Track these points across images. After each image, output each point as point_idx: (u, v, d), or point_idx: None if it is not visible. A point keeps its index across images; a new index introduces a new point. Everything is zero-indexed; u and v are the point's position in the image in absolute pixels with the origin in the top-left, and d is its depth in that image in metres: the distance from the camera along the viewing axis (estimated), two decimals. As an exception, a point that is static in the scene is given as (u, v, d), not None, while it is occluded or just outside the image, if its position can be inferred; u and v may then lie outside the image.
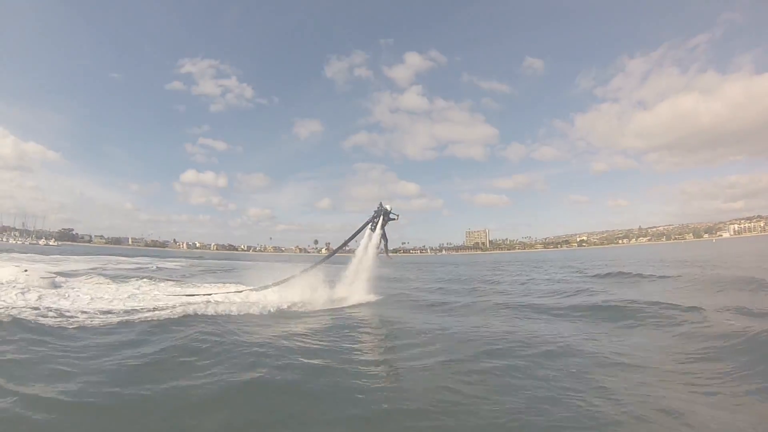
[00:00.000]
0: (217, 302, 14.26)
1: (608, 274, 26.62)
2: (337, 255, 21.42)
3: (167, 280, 23.22)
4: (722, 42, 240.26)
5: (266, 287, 17.41)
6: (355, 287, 17.95)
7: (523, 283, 24.55)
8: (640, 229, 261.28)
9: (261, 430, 5.22)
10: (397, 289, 21.36)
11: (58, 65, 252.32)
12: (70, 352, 7.82)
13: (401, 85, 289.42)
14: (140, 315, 11.68)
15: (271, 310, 13.46)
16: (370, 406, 5.73)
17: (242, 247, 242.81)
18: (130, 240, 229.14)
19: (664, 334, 9.93)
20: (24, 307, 11.80)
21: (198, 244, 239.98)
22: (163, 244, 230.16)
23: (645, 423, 5.12)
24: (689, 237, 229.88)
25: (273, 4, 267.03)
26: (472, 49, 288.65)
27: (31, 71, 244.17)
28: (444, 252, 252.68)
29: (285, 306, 14.34)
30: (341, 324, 11.56)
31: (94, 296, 15.08)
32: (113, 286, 18.72)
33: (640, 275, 24.52)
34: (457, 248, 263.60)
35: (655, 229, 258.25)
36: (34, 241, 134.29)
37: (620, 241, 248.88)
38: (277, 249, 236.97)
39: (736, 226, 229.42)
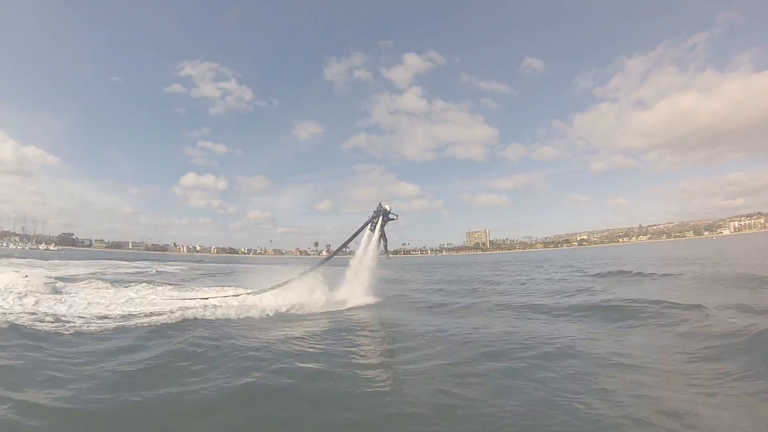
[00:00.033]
0: (214, 306, 14.17)
1: (609, 273, 26.54)
2: (336, 257, 21.35)
3: (166, 284, 23.12)
4: (721, 41, 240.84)
5: (264, 291, 17.32)
6: (354, 289, 17.87)
7: (523, 283, 24.48)
8: (640, 227, 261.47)
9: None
10: (397, 291, 21.30)
11: (58, 69, 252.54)
12: (65, 357, 7.75)
13: (400, 86, 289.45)
14: (137, 320, 11.60)
15: (270, 313, 13.37)
16: (366, 411, 5.64)
17: (242, 250, 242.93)
18: (130, 244, 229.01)
19: (665, 334, 9.83)
20: (21, 312, 11.73)
21: (198, 248, 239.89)
22: (164, 248, 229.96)
23: (646, 425, 5.02)
24: (690, 235, 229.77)
25: (272, 7, 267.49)
26: (471, 50, 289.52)
27: (31, 75, 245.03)
28: (444, 253, 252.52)
29: (283, 309, 14.25)
30: (339, 327, 11.46)
31: (91, 301, 14.99)
32: (111, 290, 18.62)
33: (640, 274, 24.45)
34: (458, 249, 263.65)
35: (655, 227, 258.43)
36: (34, 246, 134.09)
37: (621, 240, 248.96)
38: (277, 251, 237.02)
39: (736, 223, 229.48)
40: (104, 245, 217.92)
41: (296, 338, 9.87)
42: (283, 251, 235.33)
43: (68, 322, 11.00)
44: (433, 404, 5.78)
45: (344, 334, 10.54)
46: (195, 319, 11.58)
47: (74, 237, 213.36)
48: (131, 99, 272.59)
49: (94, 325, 10.88)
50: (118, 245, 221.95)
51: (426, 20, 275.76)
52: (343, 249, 20.62)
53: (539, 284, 23.45)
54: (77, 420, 5.27)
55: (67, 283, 19.48)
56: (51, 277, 19.68)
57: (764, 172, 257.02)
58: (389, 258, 20.62)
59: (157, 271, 37.51)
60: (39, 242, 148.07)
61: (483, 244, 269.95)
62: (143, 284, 21.55)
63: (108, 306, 14.12)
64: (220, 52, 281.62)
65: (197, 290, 20.24)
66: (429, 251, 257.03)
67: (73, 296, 15.91)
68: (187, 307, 13.88)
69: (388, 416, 5.50)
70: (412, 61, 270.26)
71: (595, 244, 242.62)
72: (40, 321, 10.78)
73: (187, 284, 24.08)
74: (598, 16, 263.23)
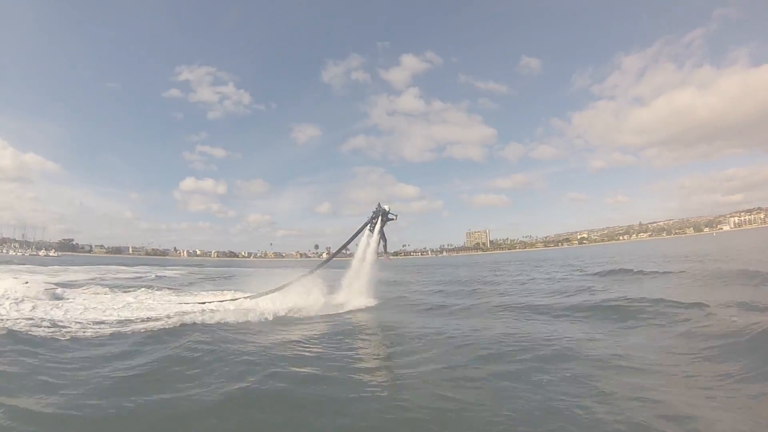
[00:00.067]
0: (212, 311, 14.10)
1: (609, 272, 26.37)
2: (336, 259, 21.25)
3: (165, 289, 23.04)
4: (717, 36, 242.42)
5: (262, 294, 17.21)
6: (353, 291, 17.78)
7: (523, 284, 24.34)
8: (640, 225, 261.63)
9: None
10: (397, 293, 21.17)
11: (56, 75, 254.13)
12: (59, 363, 7.72)
13: (398, 87, 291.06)
14: (134, 325, 11.53)
15: (268, 317, 13.26)
16: (360, 417, 5.54)
17: (243, 253, 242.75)
18: (130, 249, 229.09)
19: (666, 334, 9.71)
20: (18, 318, 11.72)
21: (198, 252, 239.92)
22: (164, 253, 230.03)
23: (645, 430, 4.91)
24: (690, 231, 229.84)
25: (268, 11, 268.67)
26: (468, 50, 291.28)
27: (29, 82, 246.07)
28: (445, 253, 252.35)
29: (282, 313, 14.14)
30: (337, 330, 11.36)
31: (89, 306, 14.91)
32: (109, 296, 18.57)
33: (641, 272, 24.32)
34: (458, 249, 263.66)
35: (655, 224, 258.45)
36: (34, 252, 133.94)
37: (621, 238, 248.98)
38: (277, 255, 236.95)
39: (736, 218, 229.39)
40: (104, 251, 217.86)
41: (293, 342, 9.77)
42: (284, 254, 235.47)
43: (65, 327, 10.96)
44: (430, 409, 5.68)
45: (341, 337, 10.44)
46: (192, 324, 11.50)
47: (74, 243, 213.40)
48: (129, 104, 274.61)
49: (90, 330, 10.82)
50: (118, 250, 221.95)
51: (423, 21, 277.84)
52: (343, 251, 20.53)
53: (539, 284, 23.31)
54: (69, 426, 5.24)
55: (66, 289, 19.43)
56: (51, 283, 19.64)
57: (763, 167, 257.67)
58: (389, 259, 20.52)
59: (156, 275, 37.40)
60: (39, 248, 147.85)
61: (483, 244, 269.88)
62: (142, 289, 21.45)
63: (105, 311, 14.04)
64: (217, 56, 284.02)
65: (195, 295, 20.13)
66: (429, 252, 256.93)
67: (71, 302, 15.85)
68: (184, 312, 13.79)
69: (383, 422, 5.41)
70: (410, 62, 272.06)
71: (595, 242, 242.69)
72: (36, 326, 10.75)
73: (185, 289, 23.99)
74: (595, 14, 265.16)
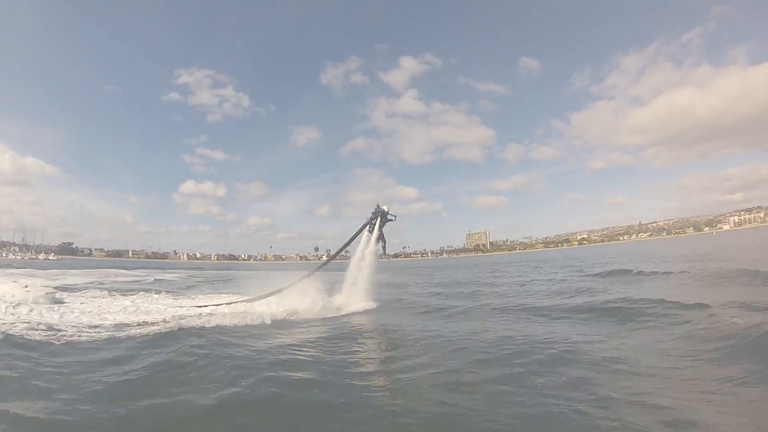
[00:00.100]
0: (209, 314, 13.99)
1: (609, 273, 26.32)
2: (335, 261, 21.15)
3: (163, 292, 22.90)
4: (715, 35, 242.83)
5: (260, 298, 17.10)
6: (352, 294, 17.69)
7: (522, 285, 24.23)
8: (640, 225, 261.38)
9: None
10: (396, 295, 21.08)
11: (56, 79, 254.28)
12: (53, 367, 7.66)
13: (397, 89, 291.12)
14: (129, 329, 11.45)
15: (266, 321, 13.16)
16: (353, 422, 5.44)
17: (243, 256, 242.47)
18: (130, 252, 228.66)
19: (666, 336, 9.59)
20: (14, 321, 11.64)
21: (198, 255, 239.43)
22: (164, 256, 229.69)
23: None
24: (690, 231, 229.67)
25: (267, 13, 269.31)
26: (466, 52, 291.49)
27: (29, 85, 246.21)
28: (445, 255, 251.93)
29: (279, 316, 14.04)
30: (334, 334, 11.26)
31: (85, 310, 14.82)
32: (107, 299, 18.46)
33: (641, 273, 24.26)
34: (458, 251, 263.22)
35: (655, 224, 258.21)
36: (34, 256, 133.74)
37: (621, 238, 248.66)
38: (277, 257, 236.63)
39: (736, 218, 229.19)
40: (104, 254, 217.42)
41: (289, 346, 9.67)
42: (284, 257, 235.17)
43: (60, 331, 10.90)
44: (423, 415, 5.57)
45: (338, 340, 10.34)
46: (188, 328, 11.39)
47: (74, 246, 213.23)
48: (129, 108, 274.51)
49: (85, 334, 10.76)
50: (118, 254, 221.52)
51: (421, 23, 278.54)
52: (343, 253, 20.41)
53: (539, 286, 23.21)
54: (60, 431, 5.21)
55: (65, 293, 19.36)
56: (50, 287, 19.56)
57: (762, 166, 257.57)
58: (389, 259, 20.40)
59: (155, 279, 37.26)
60: (38, 252, 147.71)
61: (483, 245, 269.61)
62: (141, 293, 21.35)
63: (102, 315, 13.96)
64: (216, 59, 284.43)
65: (193, 298, 20.05)
66: (429, 254, 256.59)
67: (68, 305, 15.77)
68: (181, 316, 13.71)
69: (375, 428, 5.32)
70: (408, 64, 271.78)
71: (595, 242, 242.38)
72: (32, 330, 10.70)
73: (184, 292, 23.88)
74: (593, 14, 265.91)
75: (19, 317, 12.53)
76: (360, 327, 12.51)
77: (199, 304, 17.00)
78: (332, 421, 5.45)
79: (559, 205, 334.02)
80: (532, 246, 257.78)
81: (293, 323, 13.24)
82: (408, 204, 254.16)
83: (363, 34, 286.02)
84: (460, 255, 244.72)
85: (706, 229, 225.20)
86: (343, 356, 8.86)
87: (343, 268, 19.54)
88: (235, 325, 12.22)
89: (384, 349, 9.96)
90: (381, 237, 18.70)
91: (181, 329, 11.12)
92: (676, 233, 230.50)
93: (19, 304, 14.55)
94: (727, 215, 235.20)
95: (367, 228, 18.85)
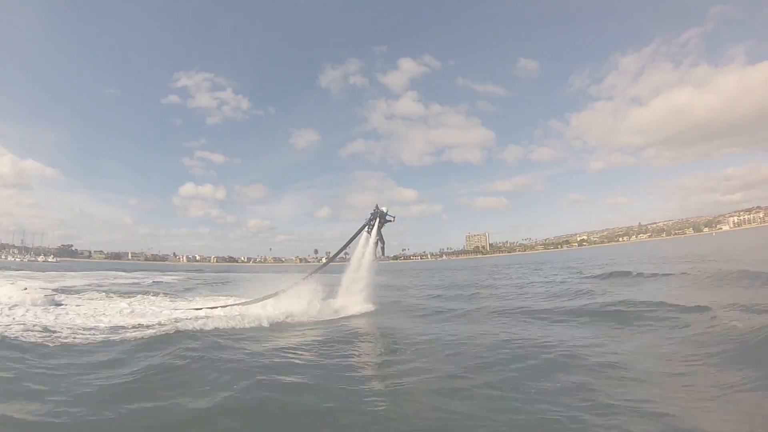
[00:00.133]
0: (206, 317, 13.86)
1: (609, 275, 26.15)
2: (334, 263, 21.03)
3: (161, 294, 22.80)
4: (714, 35, 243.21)
5: (259, 300, 17.00)
6: (350, 296, 17.56)
7: (522, 287, 24.09)
8: (639, 225, 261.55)
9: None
10: (395, 297, 20.95)
11: (55, 82, 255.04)
12: (46, 370, 7.62)
13: (396, 91, 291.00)
14: (125, 331, 11.37)
15: (263, 323, 13.06)
16: (345, 429, 5.34)
17: (242, 258, 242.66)
18: (129, 255, 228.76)
19: (666, 339, 9.45)
20: (9, 323, 11.57)
21: (198, 257, 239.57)
22: (163, 258, 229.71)
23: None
24: (689, 231, 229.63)
25: (265, 16, 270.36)
26: (465, 53, 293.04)
27: (28, 88, 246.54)
28: (444, 257, 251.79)
29: (277, 319, 13.92)
30: (332, 337, 11.13)
31: (81, 312, 14.73)
32: (103, 302, 18.35)
33: (641, 274, 24.11)
34: (458, 253, 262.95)
35: (655, 225, 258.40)
36: (33, 258, 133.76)
37: (620, 239, 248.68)
38: (277, 260, 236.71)
39: (735, 218, 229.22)
40: (103, 256, 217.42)
41: (284, 349, 9.56)
42: (283, 259, 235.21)
43: (55, 333, 10.85)
44: (418, 421, 5.46)
45: (335, 344, 10.21)
46: (184, 330, 11.25)
47: (73, 248, 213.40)
48: (128, 111, 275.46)
49: (80, 337, 10.69)
50: (117, 256, 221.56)
51: (420, 25, 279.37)
52: (342, 254, 20.28)
53: (538, 288, 23.07)
54: None
55: (63, 295, 19.28)
56: (48, 289, 19.50)
57: (762, 166, 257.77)
58: (388, 261, 20.33)
59: (153, 281, 37.12)
60: (37, 254, 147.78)
61: (483, 247, 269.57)
62: (139, 295, 21.25)
63: (97, 317, 13.86)
64: (215, 62, 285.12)
65: (191, 300, 19.94)
66: (429, 256, 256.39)
67: (65, 307, 15.69)
68: (177, 319, 13.59)
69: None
70: (407, 65, 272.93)
71: (595, 244, 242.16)
72: (27, 332, 10.65)
73: (182, 294, 23.74)
74: (591, 15, 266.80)
75: (14, 319, 12.49)
76: (357, 330, 12.40)
77: (196, 307, 16.88)
78: (323, 427, 5.34)
79: (559, 206, 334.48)
80: (531, 247, 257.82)
81: (290, 326, 13.12)
82: (408, 206, 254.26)
83: (361, 36, 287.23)
84: (460, 257, 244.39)
85: (706, 229, 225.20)
86: (338, 360, 8.75)
87: (341, 270, 19.43)
88: (232, 328, 12.10)
89: (380, 353, 9.84)
90: (380, 238, 18.59)
91: (176, 332, 11.01)
92: (675, 234, 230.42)
93: (16, 305, 14.50)
94: (727, 216, 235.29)
95: (366, 229, 18.75)
